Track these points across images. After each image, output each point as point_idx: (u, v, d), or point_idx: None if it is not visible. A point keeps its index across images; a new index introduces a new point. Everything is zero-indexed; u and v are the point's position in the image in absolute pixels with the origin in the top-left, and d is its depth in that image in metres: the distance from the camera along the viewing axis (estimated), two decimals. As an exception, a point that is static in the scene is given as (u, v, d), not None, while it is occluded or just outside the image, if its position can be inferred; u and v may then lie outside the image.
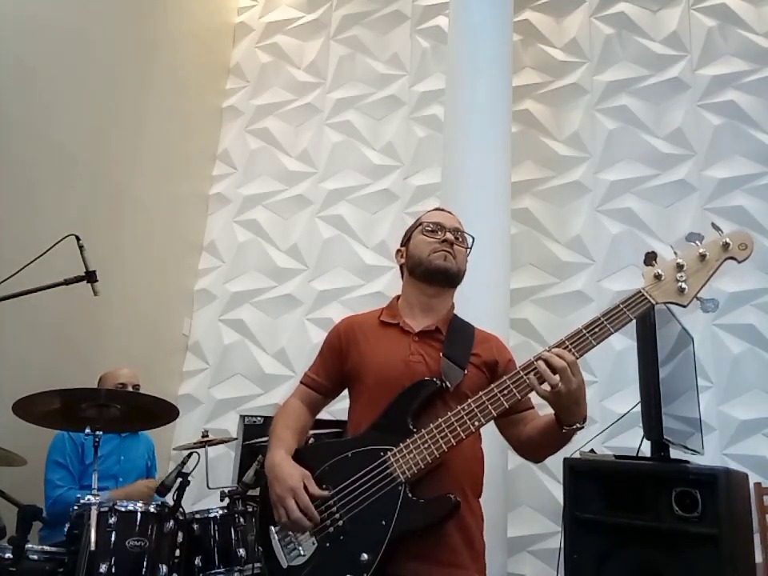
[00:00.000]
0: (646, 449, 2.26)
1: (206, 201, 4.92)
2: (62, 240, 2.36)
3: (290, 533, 1.48)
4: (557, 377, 1.34)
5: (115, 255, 3.85)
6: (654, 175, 3.90)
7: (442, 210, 1.80)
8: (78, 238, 2.35)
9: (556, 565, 2.31)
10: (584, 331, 1.40)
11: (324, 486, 1.48)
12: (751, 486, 2.77)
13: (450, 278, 1.67)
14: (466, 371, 1.56)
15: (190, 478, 2.38)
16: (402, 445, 1.44)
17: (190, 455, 2.48)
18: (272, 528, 1.51)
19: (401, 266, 1.76)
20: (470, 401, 1.43)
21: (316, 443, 1.73)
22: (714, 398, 3.43)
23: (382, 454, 1.45)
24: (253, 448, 3.23)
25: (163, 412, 2.55)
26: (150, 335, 4.22)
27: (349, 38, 4.87)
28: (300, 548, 1.45)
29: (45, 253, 2.36)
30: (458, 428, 1.41)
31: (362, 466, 1.46)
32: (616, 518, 2.08)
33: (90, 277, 2.32)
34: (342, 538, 1.42)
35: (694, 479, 1.98)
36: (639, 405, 2.19)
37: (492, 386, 1.43)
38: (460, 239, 1.70)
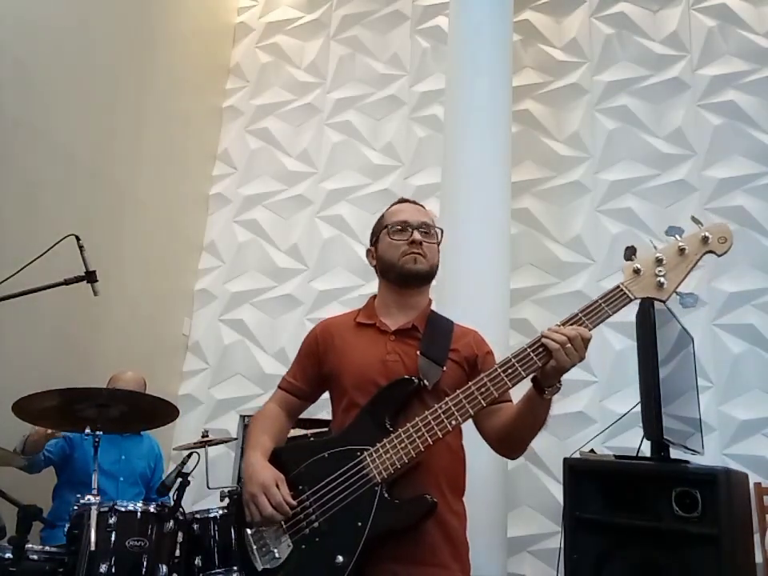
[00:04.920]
0: (646, 449, 2.26)
1: (206, 201, 4.92)
2: (62, 240, 2.36)
3: (265, 535, 1.45)
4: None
5: (115, 255, 3.84)
6: (653, 175, 3.90)
7: (406, 200, 1.72)
8: (78, 238, 2.35)
9: (556, 565, 2.31)
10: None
11: (300, 487, 1.46)
12: (751, 486, 2.77)
13: (422, 279, 1.64)
14: (444, 368, 1.54)
15: (190, 478, 2.38)
16: (378, 444, 1.42)
17: (190, 455, 2.47)
18: (247, 531, 1.48)
19: (374, 267, 1.72)
20: (447, 399, 1.42)
21: (292, 444, 1.69)
22: (713, 398, 3.43)
23: (358, 454, 1.43)
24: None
25: (163, 412, 2.55)
26: (150, 335, 4.22)
27: (349, 38, 4.87)
28: (275, 550, 1.43)
29: (45, 253, 2.36)
30: (435, 427, 1.40)
31: (338, 466, 1.44)
32: (616, 518, 2.08)
33: (90, 277, 2.31)
34: (317, 539, 1.40)
35: (693, 479, 1.99)
36: (639, 405, 2.19)
37: (470, 383, 1.42)
38: (428, 233, 1.64)
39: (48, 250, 2.37)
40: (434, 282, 1.69)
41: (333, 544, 1.38)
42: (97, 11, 3.85)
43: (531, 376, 1.39)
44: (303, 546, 1.41)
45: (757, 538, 2.95)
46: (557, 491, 3.28)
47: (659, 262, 1.41)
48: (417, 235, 1.61)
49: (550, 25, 4.38)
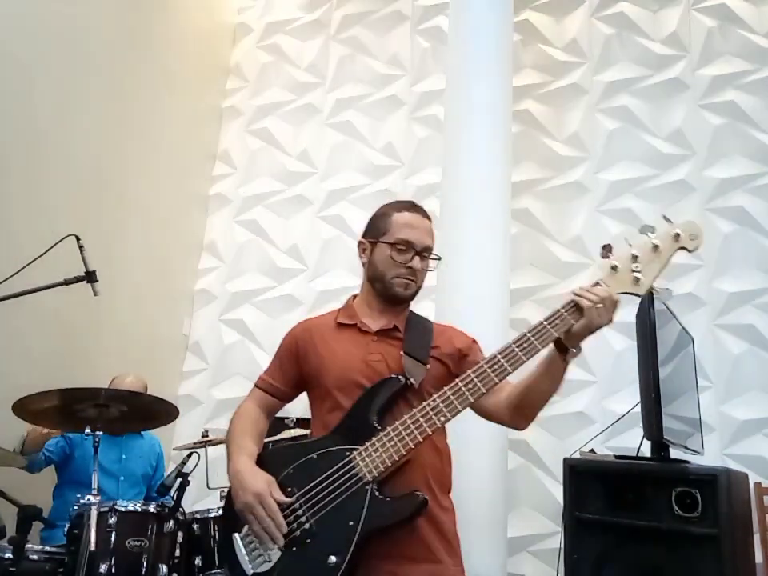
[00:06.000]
0: (646, 449, 2.27)
1: (205, 201, 4.92)
2: (62, 240, 2.36)
3: (255, 539, 1.44)
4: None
5: (115, 255, 3.84)
6: (653, 175, 3.89)
7: (416, 211, 1.70)
8: (78, 238, 2.35)
9: (556, 565, 2.31)
10: (544, 322, 1.46)
11: (289, 489, 1.45)
12: (751, 486, 2.77)
13: (405, 302, 1.66)
14: (428, 366, 1.55)
15: (190, 478, 2.38)
16: (367, 444, 1.43)
17: (190, 455, 2.47)
18: (236, 535, 1.47)
19: (363, 263, 1.70)
20: (435, 396, 1.43)
21: (279, 447, 1.69)
22: (714, 398, 3.42)
23: (347, 453, 1.44)
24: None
25: (163, 412, 2.55)
26: (150, 335, 4.21)
27: (349, 37, 4.87)
28: (266, 554, 1.41)
29: (45, 253, 2.36)
30: (424, 424, 1.41)
31: (327, 467, 1.44)
32: (616, 518, 2.08)
33: (90, 277, 2.31)
34: (308, 541, 1.39)
35: (694, 479, 1.99)
36: (639, 405, 2.19)
37: (456, 380, 1.43)
38: (427, 257, 1.64)
39: (48, 250, 2.37)
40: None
41: (325, 545, 1.37)
42: (97, 11, 3.84)
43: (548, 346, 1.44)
44: (294, 549, 1.40)
45: (757, 537, 2.95)
46: (557, 491, 3.28)
47: (635, 258, 1.45)
48: (417, 263, 1.60)
49: (550, 25, 4.38)
